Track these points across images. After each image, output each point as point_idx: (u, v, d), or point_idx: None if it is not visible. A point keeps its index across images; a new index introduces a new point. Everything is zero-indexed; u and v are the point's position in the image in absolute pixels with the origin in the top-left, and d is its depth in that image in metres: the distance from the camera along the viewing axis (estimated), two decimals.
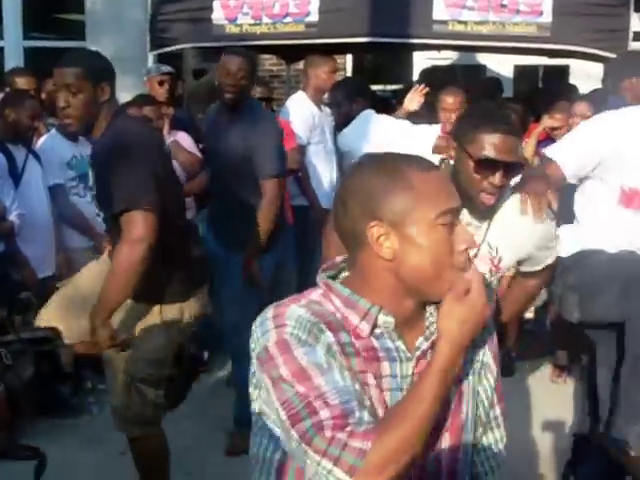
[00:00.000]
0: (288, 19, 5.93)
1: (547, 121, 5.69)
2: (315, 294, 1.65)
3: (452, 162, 2.58)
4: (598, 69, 6.21)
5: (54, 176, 4.95)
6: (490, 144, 2.47)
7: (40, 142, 5.25)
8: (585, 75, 7.79)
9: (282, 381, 1.49)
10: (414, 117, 5.50)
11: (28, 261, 4.64)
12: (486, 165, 2.46)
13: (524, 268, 3.01)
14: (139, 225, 3.00)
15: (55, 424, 4.65)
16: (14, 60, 8.23)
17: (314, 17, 5.85)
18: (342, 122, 5.54)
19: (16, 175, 4.71)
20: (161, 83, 6.02)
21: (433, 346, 1.60)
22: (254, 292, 4.33)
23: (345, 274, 1.70)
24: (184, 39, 6.28)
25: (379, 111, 5.52)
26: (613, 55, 5.63)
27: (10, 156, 4.69)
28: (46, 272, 4.80)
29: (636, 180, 3.03)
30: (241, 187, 4.41)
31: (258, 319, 1.61)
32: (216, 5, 6.08)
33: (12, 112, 4.70)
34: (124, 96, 4.77)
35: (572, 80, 8.86)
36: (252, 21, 6.01)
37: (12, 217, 4.58)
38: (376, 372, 1.58)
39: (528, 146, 5.94)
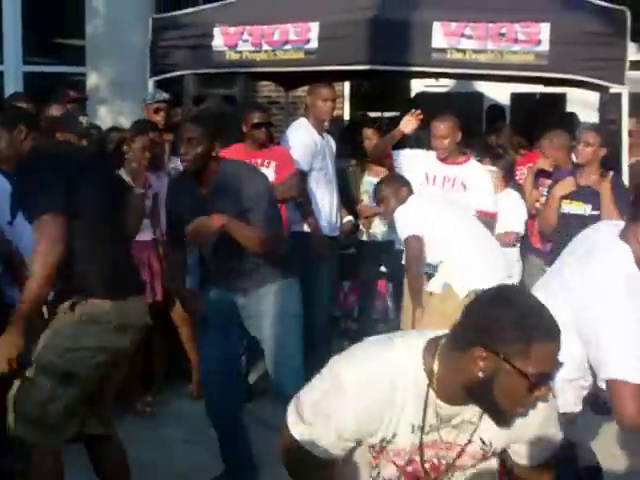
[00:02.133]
0: (288, 46, 5.96)
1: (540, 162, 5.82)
2: None
3: (481, 374, 2.01)
4: (595, 97, 6.27)
5: None
6: (546, 358, 1.99)
7: None
8: (582, 103, 7.85)
9: None
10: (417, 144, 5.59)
11: None
12: (538, 381, 2.00)
13: (516, 458, 2.36)
14: (52, 227, 3.30)
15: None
16: (13, 85, 8.21)
17: (314, 44, 5.88)
18: None
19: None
20: (157, 111, 6.02)
21: None
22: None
23: None
24: (184, 65, 6.29)
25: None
26: (610, 84, 5.69)
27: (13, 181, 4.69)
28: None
29: None
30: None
31: None
32: (216, 32, 6.11)
33: None
34: (123, 121, 4.80)
35: (569, 108, 8.93)
36: (252, 48, 6.04)
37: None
38: None
39: (527, 181, 5.97)
